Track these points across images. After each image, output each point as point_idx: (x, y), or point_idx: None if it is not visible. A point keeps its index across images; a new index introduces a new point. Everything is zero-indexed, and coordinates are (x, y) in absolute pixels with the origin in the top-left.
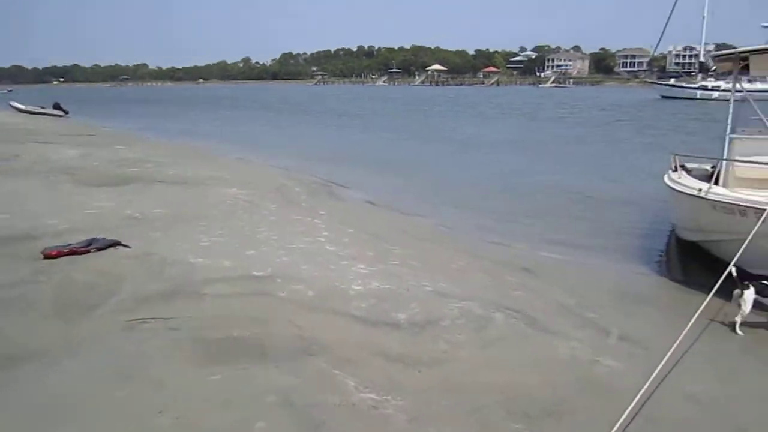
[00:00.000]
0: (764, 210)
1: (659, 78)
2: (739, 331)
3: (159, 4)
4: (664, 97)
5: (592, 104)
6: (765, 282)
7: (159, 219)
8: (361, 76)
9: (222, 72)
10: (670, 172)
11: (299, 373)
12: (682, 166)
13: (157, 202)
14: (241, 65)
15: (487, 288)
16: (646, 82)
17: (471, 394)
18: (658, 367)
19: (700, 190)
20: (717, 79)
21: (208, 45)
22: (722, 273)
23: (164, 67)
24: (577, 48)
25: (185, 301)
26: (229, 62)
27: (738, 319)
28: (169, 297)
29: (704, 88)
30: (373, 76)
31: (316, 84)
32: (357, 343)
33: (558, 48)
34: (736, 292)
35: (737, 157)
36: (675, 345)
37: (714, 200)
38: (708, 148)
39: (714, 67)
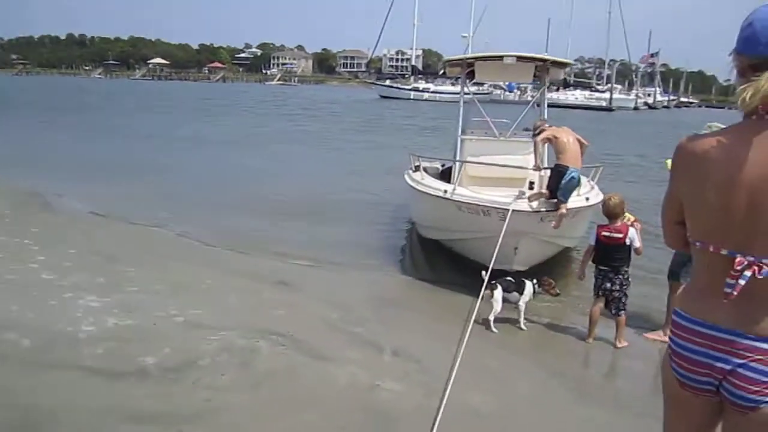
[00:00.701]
0: (507, 210)
1: (378, 79)
2: (494, 329)
3: None
4: (382, 96)
5: (323, 101)
6: (509, 279)
7: None
8: (72, 68)
9: None
10: (410, 171)
11: None
12: (418, 166)
13: None
14: None
15: (246, 310)
16: (366, 82)
17: None
18: (440, 383)
19: (445, 191)
20: (426, 82)
21: None
22: (470, 270)
23: None
24: (300, 47)
25: None
26: None
27: (491, 318)
28: None
29: (416, 89)
30: (87, 68)
31: (17, 74)
32: (96, 407)
33: (283, 46)
34: (487, 292)
35: (468, 157)
36: (450, 358)
37: (459, 201)
38: (426, 142)
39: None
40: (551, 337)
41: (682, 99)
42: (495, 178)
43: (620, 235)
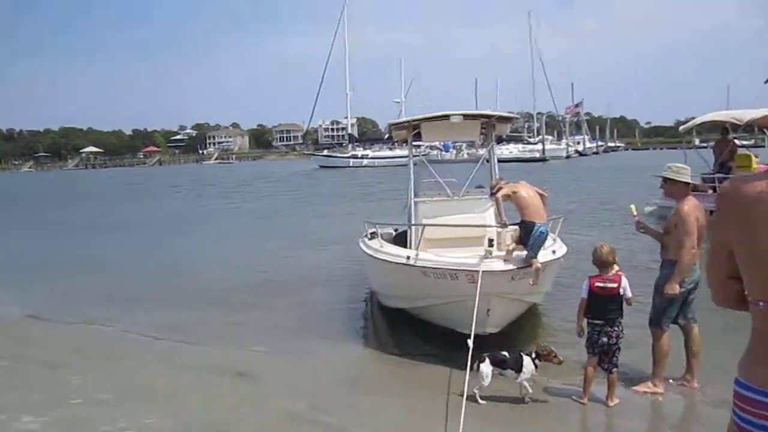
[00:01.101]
0: (476, 272)
1: (315, 150)
2: (479, 401)
3: None
4: (321, 166)
5: (261, 177)
6: (503, 354)
7: None
8: (1, 162)
9: None
10: (365, 239)
11: None
12: (374, 232)
13: None
14: None
15: (205, 412)
16: (304, 154)
17: None
18: None
19: (407, 257)
20: (364, 149)
21: None
22: (440, 339)
23: None
24: (236, 125)
25: None
26: None
27: (476, 392)
28: None
29: (355, 156)
30: (16, 162)
31: None
32: None
33: (218, 125)
34: (476, 365)
35: (424, 220)
36: None
37: (424, 266)
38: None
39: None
40: (544, 403)
41: (610, 144)
42: (453, 239)
43: (614, 285)
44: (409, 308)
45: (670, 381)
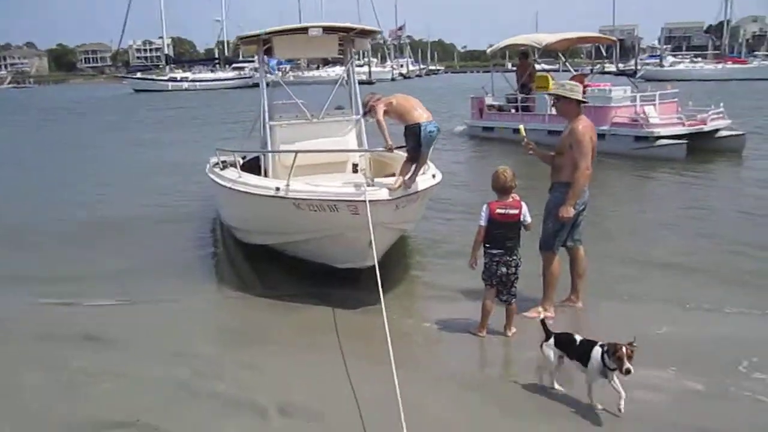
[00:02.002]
0: (360, 202)
1: (129, 72)
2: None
3: None
4: (137, 90)
5: (69, 101)
6: (573, 337)
7: None
8: None
9: None
10: (218, 170)
11: None
12: (225, 162)
13: None
14: None
15: (56, 399)
16: (115, 76)
17: None
18: None
19: (277, 188)
20: (183, 71)
21: None
22: (309, 274)
23: None
24: (31, 44)
25: None
26: None
27: (544, 381)
28: None
29: (174, 79)
30: None
31: None
32: None
33: (8, 45)
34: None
35: (282, 146)
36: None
37: (298, 198)
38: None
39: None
40: (437, 341)
41: (431, 67)
42: (313, 165)
43: (516, 212)
44: (275, 244)
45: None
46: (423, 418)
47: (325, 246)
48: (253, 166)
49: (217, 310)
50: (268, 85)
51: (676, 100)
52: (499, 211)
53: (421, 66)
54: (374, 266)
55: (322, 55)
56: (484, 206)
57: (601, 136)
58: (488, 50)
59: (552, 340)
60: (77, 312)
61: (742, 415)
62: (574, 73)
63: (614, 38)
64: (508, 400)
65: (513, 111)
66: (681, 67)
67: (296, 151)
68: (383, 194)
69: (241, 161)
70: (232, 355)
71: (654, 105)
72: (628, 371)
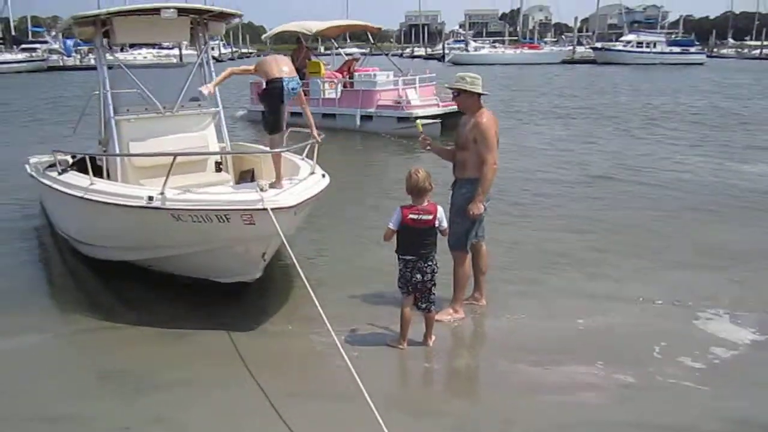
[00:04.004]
0: (260, 211)
1: None
2: None
3: None
4: None
5: None
6: None
7: None
8: None
9: None
10: (54, 174)
11: None
12: (65, 164)
13: None
14: None
15: None
16: None
17: None
18: None
19: (150, 197)
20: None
21: None
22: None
23: None
24: None
25: None
26: None
27: None
28: None
29: None
30: None
31: None
32: None
33: None
34: None
35: (130, 143)
36: None
37: (178, 209)
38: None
39: None
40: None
41: (243, 50)
42: (168, 165)
43: (430, 217)
44: (139, 260)
45: None
46: None
47: (209, 260)
48: (82, 166)
49: (83, 349)
50: (111, 67)
51: (435, 83)
52: (411, 216)
53: (233, 49)
54: (261, 278)
55: (170, 40)
56: (397, 209)
57: (368, 117)
58: (263, 36)
59: None
60: None
61: (676, 403)
62: (347, 57)
63: (378, 27)
64: (433, 417)
65: None
66: (484, 51)
67: (175, 154)
68: (285, 200)
69: (70, 161)
70: (126, 409)
71: (415, 88)
72: None
